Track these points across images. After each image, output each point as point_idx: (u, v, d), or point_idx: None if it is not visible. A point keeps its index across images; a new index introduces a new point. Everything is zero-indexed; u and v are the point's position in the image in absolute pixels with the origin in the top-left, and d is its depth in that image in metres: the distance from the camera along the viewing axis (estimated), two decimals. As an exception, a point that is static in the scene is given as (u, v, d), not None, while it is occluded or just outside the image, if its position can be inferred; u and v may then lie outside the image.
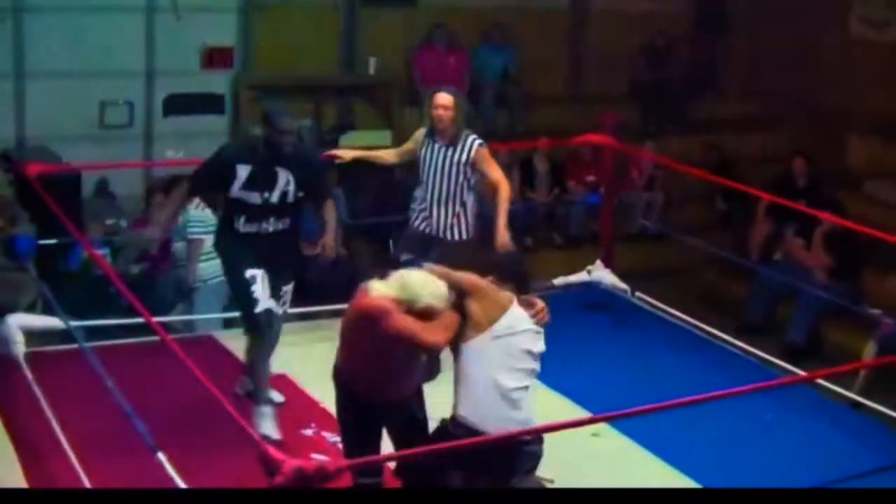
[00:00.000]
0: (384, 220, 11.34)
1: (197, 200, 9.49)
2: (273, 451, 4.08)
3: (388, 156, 8.95)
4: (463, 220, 8.51)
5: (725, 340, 9.46)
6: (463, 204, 8.47)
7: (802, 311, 11.01)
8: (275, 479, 4.04)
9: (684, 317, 9.84)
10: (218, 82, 12.66)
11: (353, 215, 11.96)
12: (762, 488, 6.09)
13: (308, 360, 8.66)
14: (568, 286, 10.15)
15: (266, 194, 7.29)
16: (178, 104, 12.42)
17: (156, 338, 6.97)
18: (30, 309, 8.61)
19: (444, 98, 8.28)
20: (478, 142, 8.34)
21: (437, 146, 8.36)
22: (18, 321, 8.16)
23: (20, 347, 8.00)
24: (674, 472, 7.35)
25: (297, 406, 7.99)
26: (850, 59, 14.28)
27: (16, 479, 6.76)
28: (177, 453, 5.53)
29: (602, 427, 7.64)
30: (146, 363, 7.92)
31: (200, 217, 9.73)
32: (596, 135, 10.41)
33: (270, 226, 7.38)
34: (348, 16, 13.31)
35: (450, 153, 8.33)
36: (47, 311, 8.47)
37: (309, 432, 7.59)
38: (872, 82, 13.79)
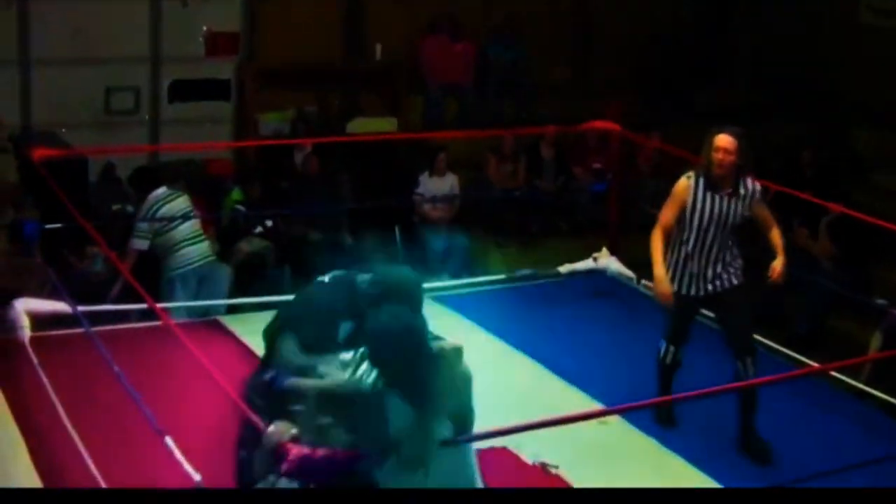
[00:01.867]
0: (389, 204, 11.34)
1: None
2: (291, 448, 4.07)
3: (663, 242, 7.51)
4: (734, 264, 7.49)
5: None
6: (733, 253, 7.49)
7: (808, 300, 10.98)
8: (281, 465, 4.03)
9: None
10: (223, 68, 12.66)
11: (358, 200, 11.95)
12: (768, 486, 6.10)
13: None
14: (573, 274, 10.14)
15: None
16: (184, 90, 12.44)
17: (160, 322, 7.00)
18: (35, 294, 8.60)
19: (725, 140, 7.17)
20: (758, 187, 7.40)
21: (716, 196, 7.27)
22: (24, 305, 8.15)
23: (26, 332, 7.99)
24: (679, 460, 7.32)
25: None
26: (859, 47, 14.23)
27: (22, 462, 6.78)
28: (184, 437, 5.50)
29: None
30: (152, 348, 7.94)
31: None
32: (602, 122, 10.36)
33: None
34: (354, 1, 13.29)
35: (732, 204, 7.27)
36: (53, 296, 8.46)
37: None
38: (881, 71, 13.75)
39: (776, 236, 7.48)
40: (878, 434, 7.84)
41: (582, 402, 7.80)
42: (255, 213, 11.17)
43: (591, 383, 8.10)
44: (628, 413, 7.60)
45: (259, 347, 8.52)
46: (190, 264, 9.77)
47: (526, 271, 10.41)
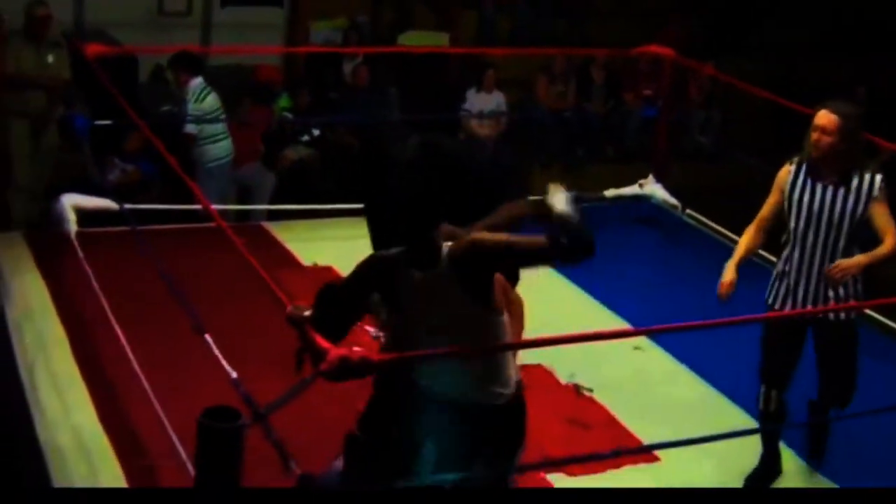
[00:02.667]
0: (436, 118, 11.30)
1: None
2: (319, 339, 4.11)
3: (753, 238, 6.36)
4: (849, 288, 5.97)
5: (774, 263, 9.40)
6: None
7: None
8: (319, 367, 4.07)
9: (734, 237, 9.80)
10: (277, -26, 12.63)
11: (406, 114, 11.95)
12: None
13: (356, 254, 8.69)
14: (619, 199, 10.12)
15: None
16: (237, -6, 12.43)
17: (206, 224, 7.04)
18: (83, 190, 8.67)
19: (823, 117, 5.81)
20: (880, 177, 5.84)
21: (817, 186, 5.90)
22: (72, 200, 8.23)
23: (72, 226, 8.08)
24: (710, 389, 7.37)
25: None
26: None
27: (63, 354, 6.88)
28: (223, 336, 5.56)
29: (643, 341, 7.67)
30: (197, 248, 8.01)
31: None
32: (656, 46, 10.26)
33: None
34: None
35: (840, 198, 5.84)
36: (100, 193, 8.53)
37: (352, 325, 7.65)
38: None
39: (889, 244, 5.78)
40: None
41: (617, 325, 7.82)
42: (302, 121, 11.20)
43: (627, 309, 8.11)
44: (663, 339, 7.65)
45: (301, 254, 8.67)
46: (219, 159, 9.87)
47: (572, 193, 10.38)
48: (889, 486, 5.74)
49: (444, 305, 4.28)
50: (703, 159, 12.87)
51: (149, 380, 6.23)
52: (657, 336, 7.61)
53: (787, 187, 5.98)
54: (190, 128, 9.76)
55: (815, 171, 5.89)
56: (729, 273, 6.15)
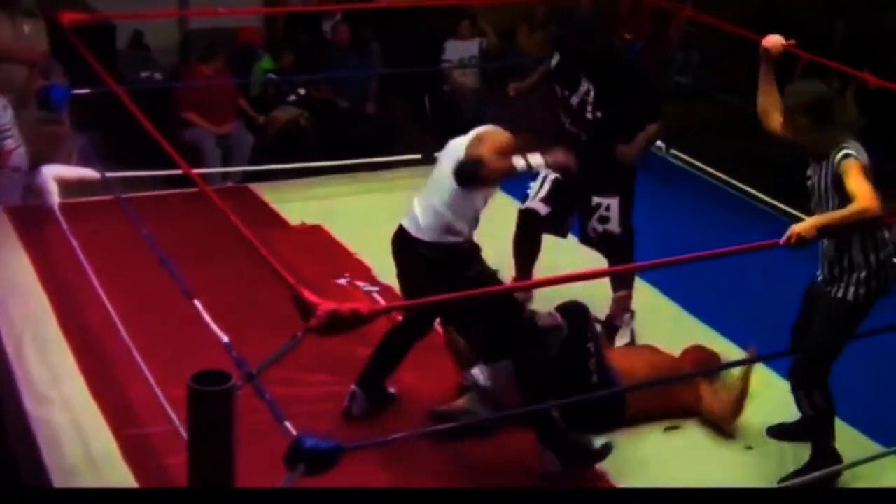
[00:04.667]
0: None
1: None
2: (308, 294, 4.08)
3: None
4: (846, 276, 5.78)
5: (759, 199, 9.41)
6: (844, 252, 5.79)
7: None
8: (310, 321, 4.05)
9: (717, 174, 9.81)
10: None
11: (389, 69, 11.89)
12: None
13: (344, 211, 8.70)
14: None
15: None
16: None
17: (191, 189, 6.98)
18: (65, 161, 8.61)
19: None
20: (843, 151, 5.63)
21: (812, 168, 5.85)
22: (53, 171, 8.17)
23: (55, 197, 8.02)
24: (698, 323, 7.44)
25: (333, 256, 8.03)
26: None
27: (49, 325, 6.84)
28: (213, 300, 5.53)
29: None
30: (182, 213, 7.98)
31: None
32: (633, -12, 10.21)
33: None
34: None
35: (821, 174, 5.77)
36: (82, 163, 8.48)
37: (343, 282, 7.63)
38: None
39: (850, 207, 5.46)
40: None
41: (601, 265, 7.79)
42: (286, 80, 11.14)
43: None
44: (649, 275, 7.71)
45: (289, 214, 8.63)
46: None
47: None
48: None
49: None
50: (683, 99, 12.83)
51: (139, 348, 6.19)
52: (643, 272, 7.63)
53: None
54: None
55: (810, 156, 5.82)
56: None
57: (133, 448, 5.74)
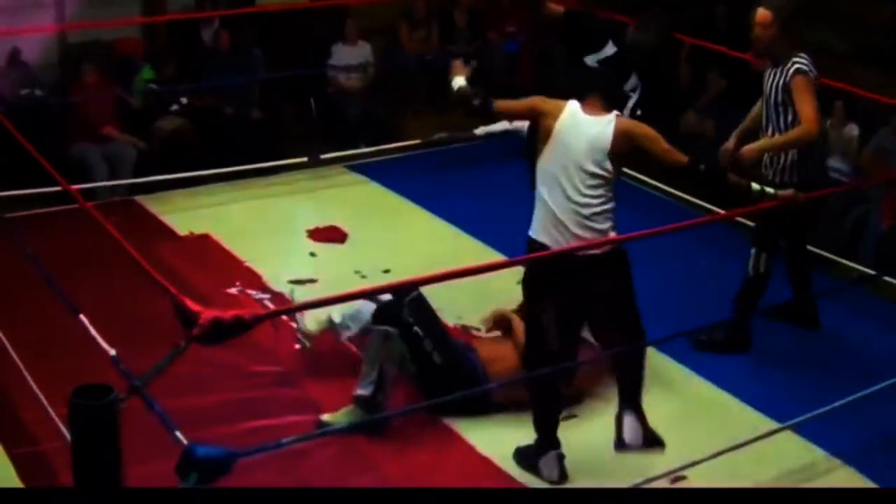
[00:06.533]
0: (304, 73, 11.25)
1: None
2: (190, 303, 4.07)
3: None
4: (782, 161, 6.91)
5: (654, 186, 9.50)
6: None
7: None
8: (192, 330, 4.03)
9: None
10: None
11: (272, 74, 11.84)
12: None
13: (232, 219, 8.68)
14: (489, 135, 10.17)
15: None
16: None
17: (75, 205, 6.92)
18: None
19: (759, 14, 6.79)
20: (797, 66, 6.70)
21: (766, 73, 6.90)
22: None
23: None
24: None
25: (222, 265, 8.00)
26: None
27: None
28: (99, 315, 5.48)
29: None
30: (68, 229, 7.88)
31: None
32: (512, -19, 10.29)
33: None
34: None
35: (774, 76, 6.82)
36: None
37: (234, 290, 7.61)
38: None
39: (794, 131, 6.68)
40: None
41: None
42: (168, 91, 11.04)
43: (507, 241, 8.13)
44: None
45: (177, 224, 8.58)
46: None
47: (442, 134, 10.42)
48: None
49: None
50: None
51: (27, 366, 6.14)
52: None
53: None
54: None
55: (763, 58, 6.87)
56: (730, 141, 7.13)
57: (29, 467, 5.70)
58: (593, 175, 5.68)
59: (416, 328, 6.41)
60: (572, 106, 5.81)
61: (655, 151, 5.72)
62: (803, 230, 7.33)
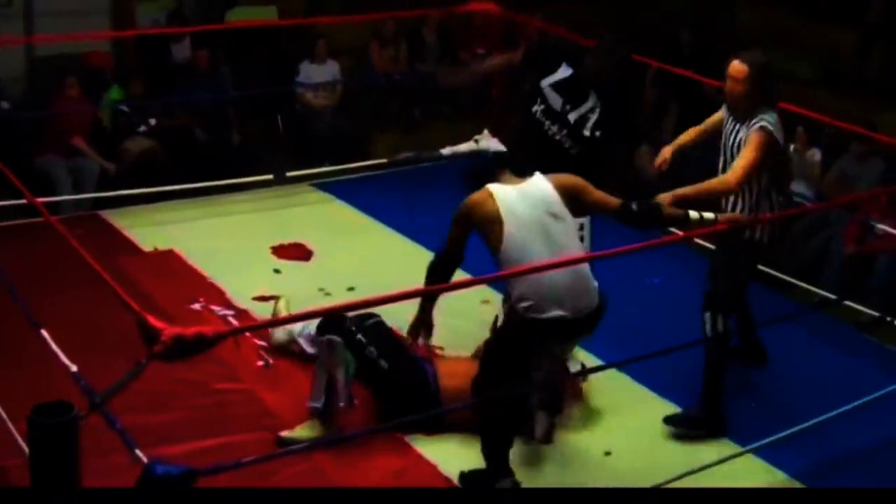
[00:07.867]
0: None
1: None
2: (152, 320, 4.06)
3: (692, 133, 7.22)
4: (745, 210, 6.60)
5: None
6: (752, 194, 6.55)
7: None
8: (154, 347, 4.02)
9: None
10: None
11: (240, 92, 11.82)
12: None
13: (196, 235, 8.66)
14: (455, 156, 10.16)
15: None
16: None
17: (39, 218, 6.89)
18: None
19: (734, 67, 6.44)
20: (762, 123, 6.34)
21: (729, 125, 6.61)
22: None
23: None
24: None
25: (186, 281, 7.98)
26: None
27: None
28: (63, 330, 5.45)
29: (491, 293, 7.72)
30: (32, 243, 7.87)
31: None
32: (479, 3, 10.30)
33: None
34: None
35: (737, 131, 6.54)
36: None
37: (197, 306, 7.59)
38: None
39: (718, 179, 6.40)
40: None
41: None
42: (137, 110, 10.98)
43: (473, 264, 8.13)
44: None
45: (141, 239, 8.56)
46: None
47: (409, 154, 10.42)
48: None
49: None
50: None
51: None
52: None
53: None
54: None
55: (732, 113, 6.56)
56: (665, 152, 7.01)
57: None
58: (567, 224, 5.74)
59: (358, 336, 6.50)
60: (495, 188, 5.81)
61: (588, 201, 5.80)
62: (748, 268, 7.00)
